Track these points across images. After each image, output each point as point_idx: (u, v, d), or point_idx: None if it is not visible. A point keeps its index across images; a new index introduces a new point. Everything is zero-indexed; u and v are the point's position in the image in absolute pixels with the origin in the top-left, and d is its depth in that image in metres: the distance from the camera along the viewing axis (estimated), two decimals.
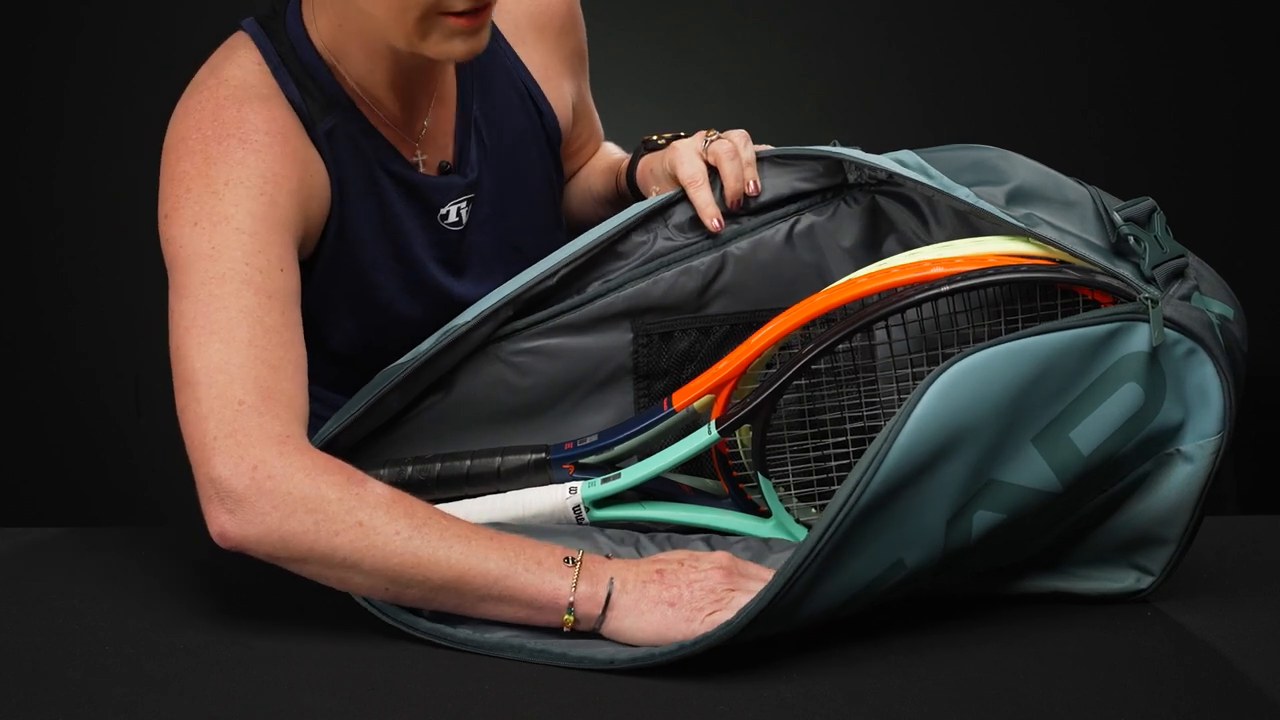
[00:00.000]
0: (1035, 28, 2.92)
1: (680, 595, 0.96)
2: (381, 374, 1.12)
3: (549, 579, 0.97)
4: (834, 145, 1.16)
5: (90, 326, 2.97)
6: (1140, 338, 0.99)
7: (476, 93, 1.24)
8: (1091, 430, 0.98)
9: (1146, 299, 0.99)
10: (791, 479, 1.13)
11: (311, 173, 1.13)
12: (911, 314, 1.08)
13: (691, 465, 1.15)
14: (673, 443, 1.11)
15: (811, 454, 1.14)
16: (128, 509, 2.95)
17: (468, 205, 1.23)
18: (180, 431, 1.04)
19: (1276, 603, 1.08)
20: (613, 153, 1.44)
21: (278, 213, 1.08)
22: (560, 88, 1.30)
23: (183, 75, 1.19)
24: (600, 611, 0.96)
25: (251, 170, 1.08)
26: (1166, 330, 0.99)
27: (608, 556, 1.01)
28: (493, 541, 0.98)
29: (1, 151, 2.95)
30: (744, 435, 1.13)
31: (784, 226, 1.18)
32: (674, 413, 1.11)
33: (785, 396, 1.09)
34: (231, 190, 1.07)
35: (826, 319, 1.10)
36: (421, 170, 1.21)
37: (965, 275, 1.03)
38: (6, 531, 1.32)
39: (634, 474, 1.10)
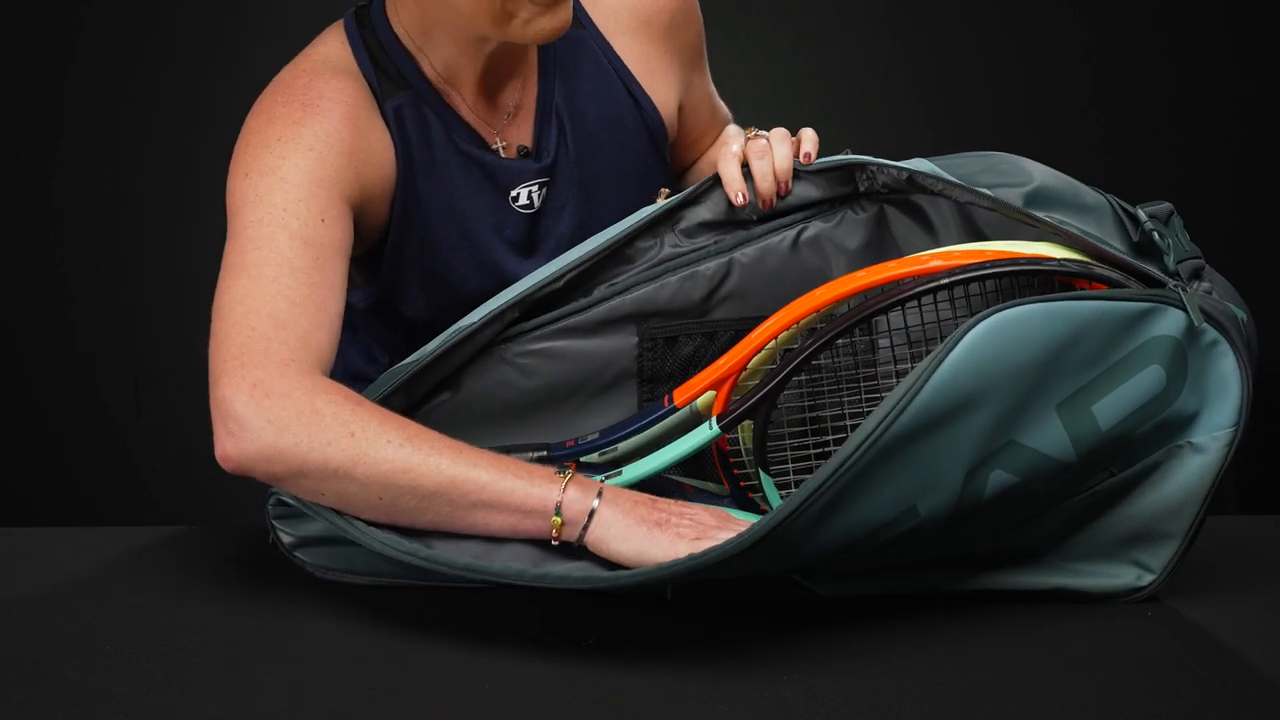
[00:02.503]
0: (1038, 28, 2.92)
1: (669, 520, 0.99)
2: (387, 374, 1.12)
3: (538, 484, 1.00)
4: (846, 153, 1.17)
5: (90, 326, 2.97)
6: (1169, 322, 1.00)
7: (559, 80, 1.27)
8: (1113, 406, 0.99)
9: (1177, 286, 1.01)
10: (792, 476, 1.13)
11: (372, 142, 1.18)
12: (912, 308, 1.08)
13: (692, 464, 1.15)
14: (674, 440, 1.11)
15: (812, 450, 1.14)
16: (127, 509, 2.95)
17: (540, 189, 1.25)
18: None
19: (1279, 602, 1.08)
20: (730, 137, 1.43)
21: (325, 169, 1.13)
22: (666, 82, 1.32)
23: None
24: (587, 519, 0.98)
25: (305, 129, 1.14)
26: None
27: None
28: (484, 455, 1.01)
29: (1, 151, 2.95)
30: (745, 432, 1.13)
31: (790, 234, 1.19)
32: (675, 409, 1.11)
33: (785, 393, 1.09)
34: (282, 145, 1.13)
35: (828, 315, 1.11)
36: (502, 154, 1.24)
37: (964, 269, 1.03)
38: (6, 531, 1.32)
39: (635, 471, 1.10)
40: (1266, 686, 0.90)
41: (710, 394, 1.11)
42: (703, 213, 1.19)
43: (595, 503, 0.99)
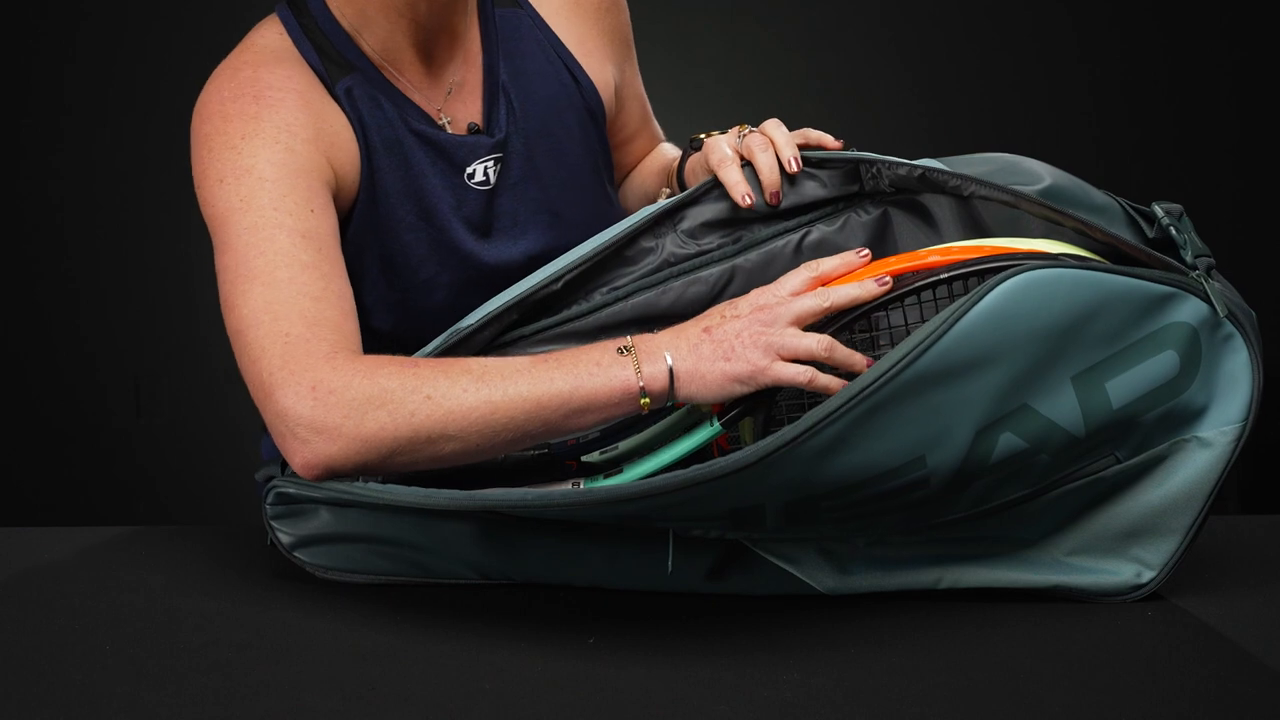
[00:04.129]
0: (1035, 28, 2.92)
1: (732, 348, 1.01)
2: None
3: (614, 374, 1.01)
4: (851, 150, 1.16)
5: (91, 327, 2.97)
6: (1189, 310, 1.00)
7: (503, 57, 1.26)
8: (1126, 386, 0.99)
9: (1198, 276, 1.01)
10: None
11: (332, 125, 1.17)
12: (911, 303, 1.08)
13: (694, 461, 1.14)
14: (675, 438, 1.11)
15: None
16: (128, 509, 2.95)
17: (495, 165, 1.25)
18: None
19: (1279, 601, 1.08)
20: (668, 152, 1.45)
21: (297, 159, 1.12)
22: (601, 64, 1.33)
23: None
24: (668, 384, 1.02)
25: (265, 123, 1.12)
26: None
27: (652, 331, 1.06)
28: (549, 362, 1.02)
29: (1, 151, 2.95)
30: (745, 430, 1.13)
31: (794, 238, 1.18)
32: (676, 407, 1.11)
33: (785, 389, 1.09)
34: (248, 143, 1.11)
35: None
36: (449, 130, 1.23)
37: (962, 264, 1.03)
38: (7, 531, 1.32)
39: (636, 470, 1.10)
40: (1267, 687, 0.90)
41: None
42: (706, 212, 1.18)
43: (669, 366, 1.01)
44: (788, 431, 0.91)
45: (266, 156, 1.10)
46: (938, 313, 1.09)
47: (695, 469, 0.92)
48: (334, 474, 1.02)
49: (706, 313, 1.06)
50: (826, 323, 1.08)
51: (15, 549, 1.24)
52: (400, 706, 0.87)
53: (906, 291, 1.05)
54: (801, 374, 1.01)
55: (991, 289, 0.95)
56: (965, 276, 1.04)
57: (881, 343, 1.14)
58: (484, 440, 1.01)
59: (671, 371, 1.01)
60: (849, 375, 1.02)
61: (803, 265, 1.06)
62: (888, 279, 1.03)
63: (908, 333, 1.11)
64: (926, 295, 1.08)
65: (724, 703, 0.87)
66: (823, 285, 1.05)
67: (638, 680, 0.91)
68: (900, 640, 0.98)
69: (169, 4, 2.87)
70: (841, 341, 1.12)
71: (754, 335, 1.02)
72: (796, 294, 1.04)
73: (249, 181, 1.09)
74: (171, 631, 1.00)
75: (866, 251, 1.06)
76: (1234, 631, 0.99)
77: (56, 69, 2.91)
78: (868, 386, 0.92)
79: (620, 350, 1.02)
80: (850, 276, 1.06)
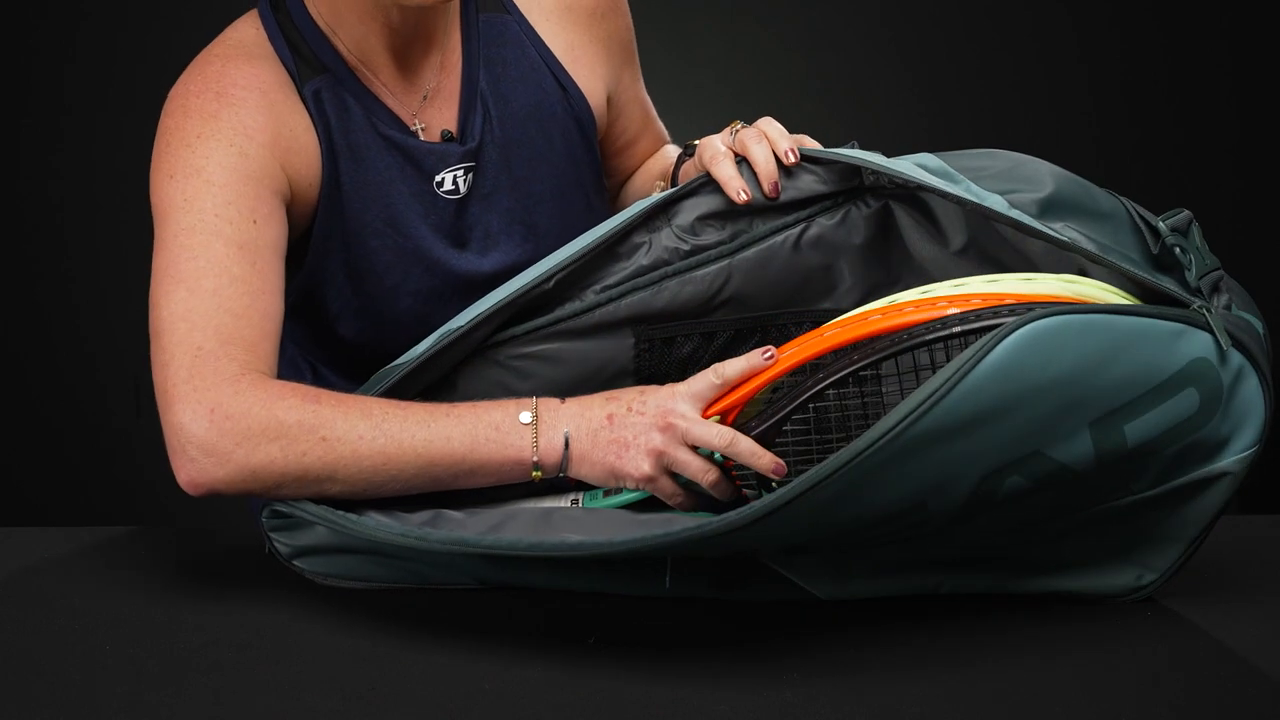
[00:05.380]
0: (1035, 28, 2.92)
1: (626, 446, 1.03)
2: (378, 375, 1.11)
3: (510, 443, 1.03)
4: (853, 146, 1.15)
5: (91, 328, 2.97)
6: (1201, 342, 0.97)
7: (483, 64, 1.24)
8: (1145, 426, 0.97)
9: (1202, 307, 0.98)
10: None
11: (293, 129, 1.15)
12: (923, 350, 1.05)
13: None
14: None
15: None
16: (129, 509, 2.95)
17: (466, 174, 1.23)
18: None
19: (1278, 602, 1.08)
20: (670, 155, 1.42)
21: (249, 165, 1.10)
22: (593, 71, 1.30)
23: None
24: (562, 460, 1.04)
25: (224, 123, 1.11)
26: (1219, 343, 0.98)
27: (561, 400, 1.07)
28: (450, 417, 1.03)
29: (1, 151, 2.95)
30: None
31: (793, 234, 1.16)
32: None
33: (792, 422, 1.07)
34: (204, 143, 1.10)
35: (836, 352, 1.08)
36: (422, 137, 1.22)
37: (977, 314, 1.00)
38: (7, 531, 1.32)
39: (637, 491, 1.09)
40: (1266, 686, 0.90)
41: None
42: (701, 205, 1.15)
43: (564, 447, 1.03)
44: (787, 492, 0.89)
45: (219, 159, 1.09)
46: (947, 358, 1.06)
47: (688, 529, 0.91)
48: (216, 495, 1.02)
49: (615, 394, 1.06)
50: (836, 363, 1.04)
51: (15, 549, 1.24)
52: (400, 706, 0.87)
53: (918, 344, 1.01)
54: (676, 495, 1.05)
55: (996, 344, 0.92)
56: (979, 331, 0.99)
57: (888, 380, 1.10)
58: (370, 488, 1.02)
59: (567, 449, 1.03)
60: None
61: (709, 369, 1.05)
62: (782, 466, 1.02)
63: (917, 378, 1.07)
64: (938, 345, 1.03)
65: (724, 703, 0.87)
66: (728, 389, 1.05)
67: (638, 680, 0.91)
68: (900, 640, 0.98)
69: (169, 4, 2.86)
70: (850, 382, 1.09)
71: (649, 443, 1.03)
72: (702, 399, 1.04)
73: (196, 182, 1.09)
74: (171, 631, 1.00)
75: (772, 353, 1.05)
76: (1233, 632, 0.99)
77: (56, 69, 2.91)
78: (870, 446, 0.89)
79: (522, 417, 1.03)
80: (758, 378, 1.05)
